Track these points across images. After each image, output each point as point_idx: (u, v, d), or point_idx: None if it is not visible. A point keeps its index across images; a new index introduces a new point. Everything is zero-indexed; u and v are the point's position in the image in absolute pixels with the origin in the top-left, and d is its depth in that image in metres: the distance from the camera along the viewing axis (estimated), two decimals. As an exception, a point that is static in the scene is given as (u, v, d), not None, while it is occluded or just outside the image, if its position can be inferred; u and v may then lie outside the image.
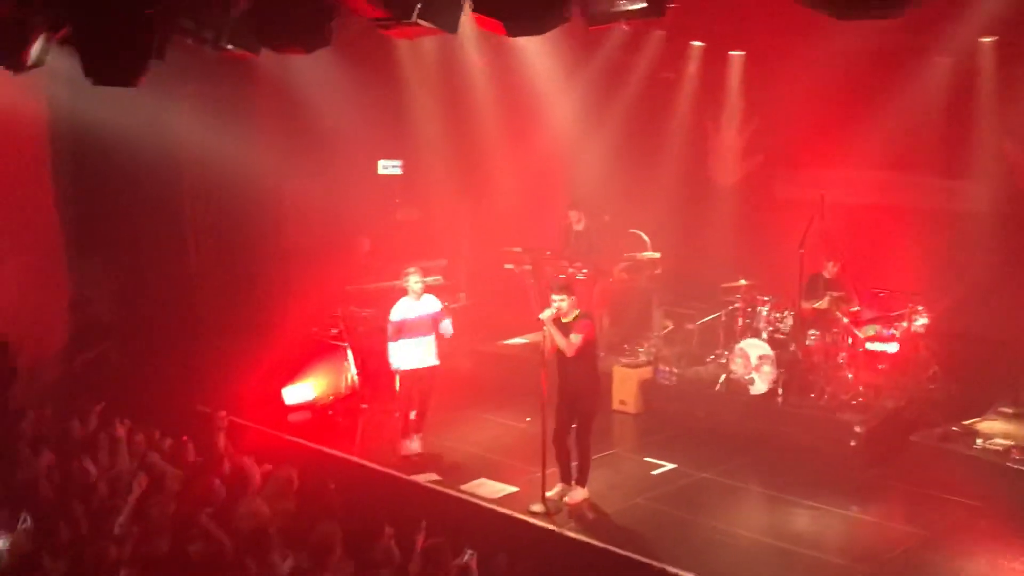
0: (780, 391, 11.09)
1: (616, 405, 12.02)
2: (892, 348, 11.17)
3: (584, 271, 12.78)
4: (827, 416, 10.73)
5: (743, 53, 13.83)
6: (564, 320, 8.89)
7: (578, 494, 9.13)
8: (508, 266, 13.75)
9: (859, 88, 12.36)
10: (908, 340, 11.26)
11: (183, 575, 6.21)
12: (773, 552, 8.25)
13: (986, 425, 10.05)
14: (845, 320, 11.20)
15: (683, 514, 9.04)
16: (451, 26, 6.99)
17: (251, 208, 13.00)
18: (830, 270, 11.53)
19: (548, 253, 13.39)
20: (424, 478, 9.78)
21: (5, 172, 12.17)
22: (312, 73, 11.75)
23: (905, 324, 11.25)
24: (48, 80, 10.76)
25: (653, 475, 10.04)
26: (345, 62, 11.65)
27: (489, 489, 9.50)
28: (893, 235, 12.29)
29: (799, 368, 11.21)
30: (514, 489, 9.44)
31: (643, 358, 12.59)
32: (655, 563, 7.81)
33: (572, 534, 8.50)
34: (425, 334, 10.41)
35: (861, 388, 10.97)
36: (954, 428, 10.06)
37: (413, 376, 10.47)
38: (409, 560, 6.72)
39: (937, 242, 12.13)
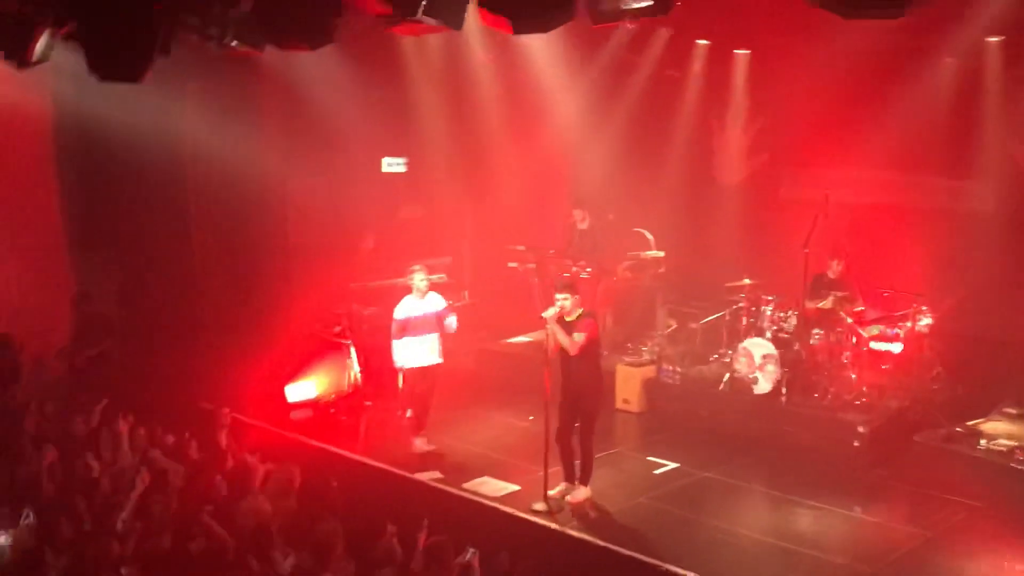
0: (784, 391, 11.06)
1: (619, 404, 12.01)
2: (896, 348, 11.16)
3: (588, 270, 12.76)
4: (830, 416, 10.71)
5: (748, 52, 13.80)
6: (567, 319, 8.88)
7: (581, 493, 9.12)
8: (512, 264, 13.75)
9: (864, 88, 12.33)
10: (912, 340, 11.23)
11: (185, 572, 6.21)
12: (775, 552, 8.23)
13: (990, 426, 10.02)
14: (849, 320, 11.18)
15: (686, 513, 9.03)
16: (456, 23, 6.97)
17: (255, 205, 12.99)
18: (834, 269, 11.51)
19: (552, 252, 13.37)
20: (427, 476, 9.78)
21: (9, 168, 12.19)
22: (316, 70, 11.73)
23: (909, 324, 11.22)
24: (52, 76, 10.79)
25: (656, 474, 10.03)
26: (350, 59, 11.64)
27: (491, 487, 9.50)
28: (898, 235, 12.26)
29: (803, 368, 11.19)
30: (516, 488, 9.44)
31: (646, 357, 12.58)
32: (657, 562, 7.80)
33: (574, 533, 8.49)
34: (429, 332, 10.42)
35: (865, 388, 10.96)
36: (958, 429, 10.04)
37: (416, 374, 10.48)
38: (411, 558, 6.72)
39: (942, 242, 12.09)
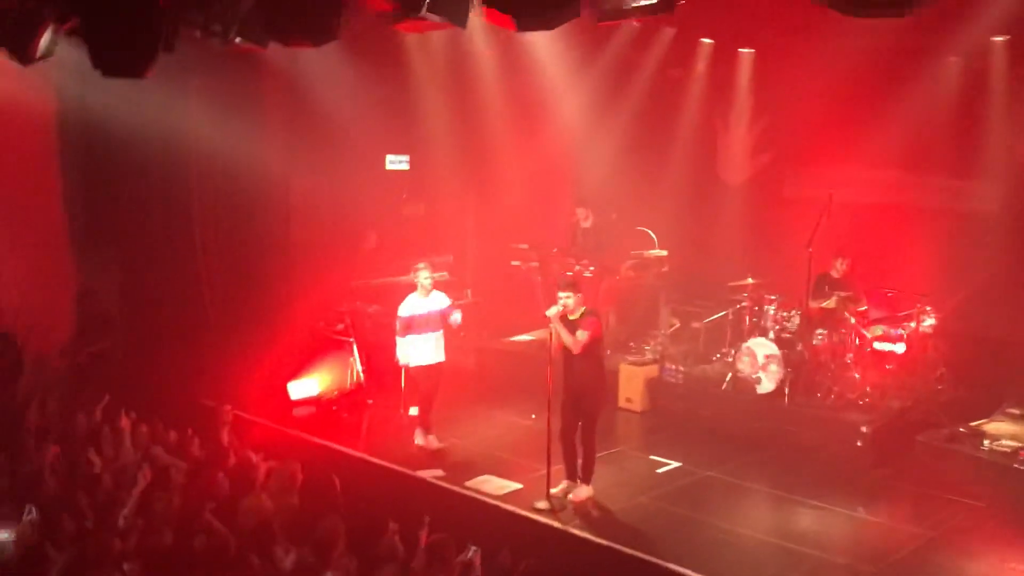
0: (786, 390, 11.05)
1: (622, 403, 12.01)
2: (900, 348, 11.14)
3: (591, 268, 12.75)
4: (833, 416, 10.69)
5: (752, 51, 13.78)
6: (571, 317, 8.86)
7: (583, 491, 9.11)
8: (515, 263, 13.76)
9: (869, 87, 12.30)
10: (916, 340, 11.22)
11: (186, 569, 6.20)
12: (778, 552, 8.21)
13: (993, 426, 10.01)
14: (852, 320, 11.17)
15: (688, 512, 9.01)
16: (460, 20, 6.97)
17: (258, 202, 12.98)
18: (838, 268, 11.49)
19: (555, 250, 13.37)
20: (429, 474, 9.77)
21: (13, 164, 12.18)
22: (320, 67, 11.72)
23: (913, 324, 11.21)
24: (56, 72, 10.76)
25: (658, 473, 10.02)
26: (353, 56, 11.61)
27: (493, 486, 9.48)
28: (902, 235, 12.24)
29: (806, 367, 11.18)
30: (518, 486, 9.42)
31: (649, 356, 12.58)
32: (659, 561, 7.81)
33: (576, 531, 8.49)
34: (433, 330, 10.43)
35: (868, 388, 10.95)
36: (961, 429, 10.01)
37: (420, 372, 10.48)
38: (413, 556, 6.71)
39: (946, 242, 12.06)
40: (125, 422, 8.76)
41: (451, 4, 6.89)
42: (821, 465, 10.10)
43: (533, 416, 10.82)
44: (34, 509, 6.94)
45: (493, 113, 13.93)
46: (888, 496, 9.42)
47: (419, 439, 10.59)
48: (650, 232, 13.35)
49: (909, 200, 12.93)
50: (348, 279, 12.95)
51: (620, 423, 11.65)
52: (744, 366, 11.36)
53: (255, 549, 6.41)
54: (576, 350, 8.79)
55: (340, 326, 12.28)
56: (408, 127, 13.94)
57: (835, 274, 11.51)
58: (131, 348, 13.48)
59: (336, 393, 12.17)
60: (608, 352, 10.78)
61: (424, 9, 6.65)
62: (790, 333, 11.43)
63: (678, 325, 13.46)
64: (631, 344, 13.15)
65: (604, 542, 8.21)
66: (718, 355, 12.54)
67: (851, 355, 11.15)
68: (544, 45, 12.70)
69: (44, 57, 7.99)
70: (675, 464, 10.19)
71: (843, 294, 11.28)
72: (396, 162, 14.56)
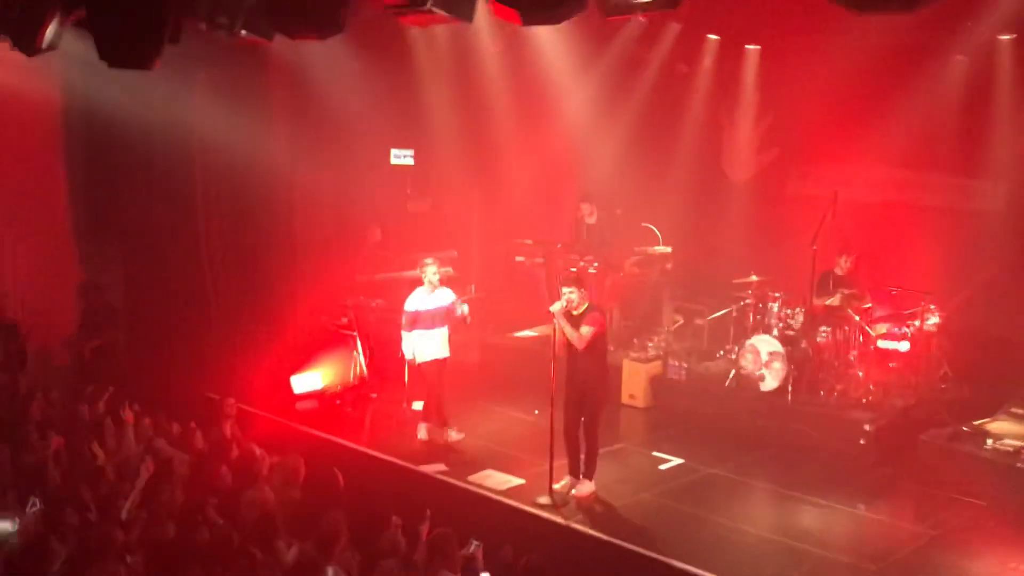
0: (790, 388, 11.03)
1: (625, 399, 12.00)
2: (904, 346, 11.13)
3: (595, 264, 12.74)
4: (836, 414, 10.69)
5: (759, 47, 13.75)
6: (574, 313, 8.85)
7: (585, 487, 9.10)
8: (519, 258, 13.74)
9: (875, 85, 12.27)
10: (920, 339, 11.20)
11: (189, 561, 6.21)
12: (780, 549, 8.20)
13: (997, 426, 9.97)
14: (857, 318, 11.16)
15: (690, 509, 9.00)
16: (467, 14, 6.93)
17: (262, 196, 12.98)
18: (843, 265, 11.46)
19: (559, 246, 13.36)
20: (431, 469, 9.77)
21: (17, 156, 12.22)
22: (325, 61, 11.71)
23: (917, 323, 11.19)
24: (62, 63, 10.76)
25: (661, 470, 10.01)
26: (359, 50, 11.60)
27: (496, 481, 9.48)
28: (907, 233, 12.21)
29: (809, 365, 11.16)
30: (521, 481, 9.41)
31: (653, 353, 12.55)
32: (661, 557, 7.82)
33: (579, 527, 8.50)
34: (439, 326, 10.43)
35: (871, 386, 10.93)
36: (964, 428, 9.98)
37: (424, 367, 10.47)
38: (415, 550, 6.72)
39: (951, 241, 12.03)
40: (128, 414, 8.78)
41: (458, -3, 6.87)
42: (824, 463, 10.09)
43: (536, 412, 10.84)
44: (37, 501, 6.96)
45: (498, 108, 13.91)
46: (891, 494, 9.40)
47: (422, 433, 10.60)
48: (654, 228, 13.32)
49: (914, 198, 12.91)
50: (352, 273, 12.95)
51: (623, 419, 11.64)
52: (747, 363, 11.35)
53: (257, 542, 6.42)
54: (580, 346, 8.79)
55: (344, 320, 12.27)
56: (413, 122, 13.93)
57: (839, 272, 11.48)
58: (135, 341, 13.51)
59: (339, 387, 12.17)
60: (611, 348, 10.75)
61: (430, 3, 6.63)
62: (794, 330, 11.42)
63: (682, 322, 13.44)
64: (634, 340, 13.13)
65: (606, 538, 8.23)
66: (721, 352, 12.54)
67: (855, 353, 11.14)
68: (550, 40, 12.69)
69: (49, 48, 7.98)
70: (678, 461, 10.18)
71: (847, 292, 11.26)
72: (401, 157, 14.54)
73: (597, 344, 8.90)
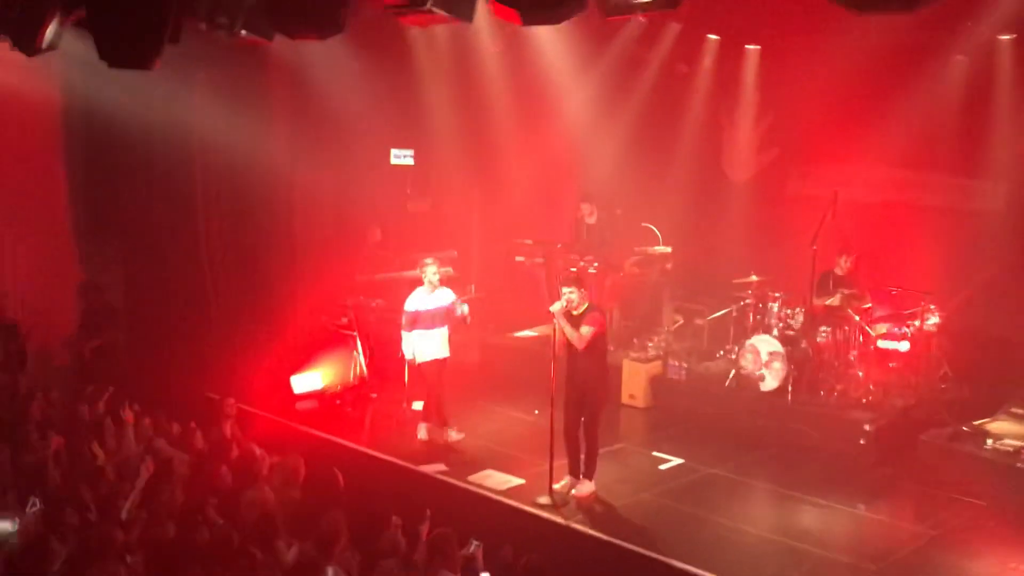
0: (790, 388, 11.03)
1: (625, 399, 12.00)
2: (904, 346, 11.13)
3: (595, 264, 12.74)
4: (836, 414, 10.69)
5: (759, 47, 13.75)
6: (574, 313, 8.85)
7: (585, 487, 9.10)
8: (519, 258, 13.74)
9: (875, 85, 12.27)
10: (920, 339, 11.20)
11: (189, 561, 6.21)
12: (780, 549, 8.20)
13: (997, 426, 9.97)
14: (857, 317, 11.15)
15: (690, 509, 9.00)
16: (467, 14, 6.93)
17: (262, 195, 12.98)
18: (843, 265, 11.46)
19: (559, 246, 13.36)
20: (431, 469, 9.77)
21: (17, 156, 12.21)
22: (325, 61, 11.71)
23: (917, 323, 11.19)
24: (62, 63, 10.76)
25: (661, 470, 10.01)
26: (359, 50, 11.60)
27: (496, 481, 9.48)
28: (907, 233, 12.21)
29: (809, 365, 11.16)
30: (521, 481, 9.41)
31: (653, 353, 12.55)
32: (661, 557, 7.82)
33: (578, 527, 8.50)
34: (439, 326, 10.43)
35: (871, 386, 10.93)
36: (964, 428, 9.98)
37: (425, 367, 10.47)
38: (415, 550, 6.72)
39: (951, 241, 12.03)
40: (128, 414, 8.78)
41: (457, -3, 6.87)
42: (824, 463, 10.09)
43: (536, 412, 10.84)
44: (37, 501, 6.96)
45: (498, 108, 13.90)
46: (890, 494, 9.40)
47: (422, 433, 10.60)
48: (654, 228, 13.32)
49: (914, 198, 12.91)
50: (352, 273, 12.95)
51: (623, 419, 11.63)
52: (747, 363, 11.35)
53: (257, 542, 6.42)
54: (580, 346, 8.79)
55: (344, 320, 12.27)
56: (413, 122, 13.92)
57: (839, 272, 11.48)
58: (135, 340, 13.52)
59: (339, 387, 12.17)
60: (611, 348, 10.75)
61: (430, 3, 6.63)
62: (794, 330, 11.42)
63: (682, 322, 13.44)
64: (634, 340, 13.12)
65: (606, 538, 8.23)
66: (721, 352, 12.54)
67: (855, 353, 11.14)
68: (550, 40, 12.69)
69: (49, 48, 7.98)
70: (678, 461, 10.18)
71: (847, 292, 11.26)
72: (401, 156, 14.53)
73: (597, 344, 8.90)
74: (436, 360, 10.47)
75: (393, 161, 14.45)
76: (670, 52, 13.68)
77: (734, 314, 12.46)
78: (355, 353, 12.13)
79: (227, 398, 9.51)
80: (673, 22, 13.05)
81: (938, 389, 11.30)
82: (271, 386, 11.79)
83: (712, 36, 13.84)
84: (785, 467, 10.01)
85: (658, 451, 10.45)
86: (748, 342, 11.42)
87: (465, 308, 10.46)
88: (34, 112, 12.28)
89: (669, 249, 13.33)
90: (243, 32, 7.88)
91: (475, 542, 6.74)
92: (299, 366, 12.24)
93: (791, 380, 11.02)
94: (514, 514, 8.78)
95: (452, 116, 14.00)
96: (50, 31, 7.81)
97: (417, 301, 10.39)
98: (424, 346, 10.40)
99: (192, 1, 7.38)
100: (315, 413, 11.70)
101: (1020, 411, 10.23)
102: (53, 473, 7.81)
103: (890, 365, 11.15)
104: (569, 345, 8.89)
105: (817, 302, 11.34)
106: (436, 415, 10.55)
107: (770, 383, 11.12)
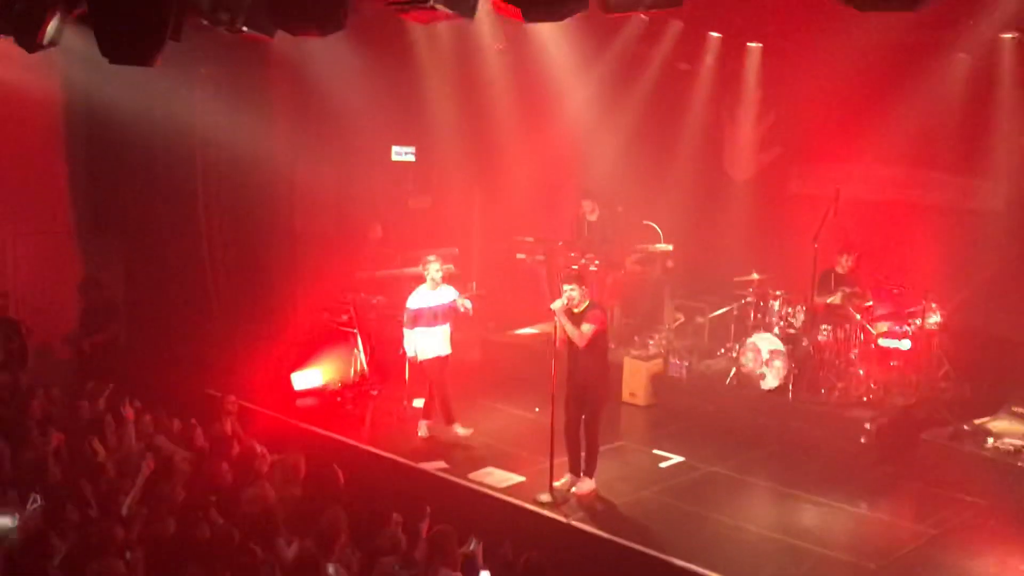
0: (790, 386, 11.03)
1: (626, 397, 11.99)
2: (905, 345, 11.10)
3: (596, 262, 12.73)
4: (837, 412, 10.68)
5: (761, 45, 13.72)
6: (575, 311, 8.84)
7: (586, 485, 9.10)
8: (520, 256, 13.74)
9: (877, 83, 12.26)
10: (921, 337, 11.18)
11: (189, 558, 6.21)
12: (780, 547, 8.20)
13: (998, 424, 9.96)
14: (858, 316, 11.14)
15: (690, 507, 9.00)
16: (468, 11, 6.93)
17: (264, 192, 12.97)
18: (844, 264, 11.44)
19: (560, 243, 13.36)
20: (432, 466, 9.77)
21: (19, 152, 12.20)
22: (327, 57, 11.68)
23: (918, 321, 11.17)
24: (63, 59, 10.75)
25: (661, 468, 10.01)
26: (360, 46, 11.58)
27: (496, 478, 9.48)
28: (908, 232, 12.20)
29: (810, 363, 11.16)
30: (521, 479, 9.41)
31: (654, 351, 12.56)
32: (662, 555, 7.82)
33: (579, 525, 8.49)
34: (440, 323, 10.42)
35: (872, 385, 10.93)
36: (965, 427, 9.97)
37: (426, 365, 10.47)
38: (415, 547, 6.72)
39: (953, 239, 12.02)
40: (129, 411, 8.79)
41: (459, -6, 6.87)
42: (824, 461, 10.07)
43: (537, 409, 10.83)
44: (38, 497, 6.97)
45: (500, 105, 13.88)
46: (891, 493, 9.39)
47: (423, 431, 10.60)
48: (656, 226, 13.31)
49: (916, 197, 12.90)
50: (353, 270, 12.94)
51: (624, 417, 11.62)
52: (748, 361, 11.35)
53: (258, 539, 6.42)
54: (581, 344, 8.78)
55: (344, 317, 12.26)
56: (414, 118, 13.90)
57: (841, 270, 11.47)
58: (135, 337, 13.53)
59: (340, 384, 12.17)
60: (612, 346, 10.75)
61: (432, -1, 6.63)
62: (795, 329, 11.42)
63: (683, 320, 13.44)
64: (635, 338, 13.13)
65: (606, 535, 8.23)
66: (722, 350, 12.55)
67: (856, 351, 11.12)
68: (552, 37, 12.66)
69: (51, 45, 7.98)
70: (678, 459, 10.17)
71: (848, 290, 11.24)
72: (402, 153, 14.53)
73: (598, 342, 8.90)
74: (438, 357, 10.47)
75: (394, 158, 14.45)
76: (672, 50, 13.62)
77: (735, 312, 12.47)
78: (356, 350, 12.13)
79: (228, 395, 9.52)
80: (675, 20, 13.02)
81: (939, 388, 11.29)
82: (272, 383, 11.80)
83: (714, 34, 13.80)
84: (786, 465, 10.00)
85: (659, 449, 10.44)
86: (749, 340, 11.42)
87: (468, 303, 10.46)
88: (35, 108, 12.27)
89: (670, 247, 13.32)
90: (244, 28, 7.87)
91: (475, 540, 6.74)
92: (300, 363, 12.24)
93: (792, 378, 11.02)
94: (514, 512, 8.78)
95: (453, 113, 13.99)
96: (51, 27, 7.82)
97: (420, 298, 10.38)
98: (426, 343, 10.39)
99: (194, -3, 7.38)
100: (316, 410, 11.69)
101: (1021, 410, 10.21)
102: (54, 469, 7.82)
103: (891, 364, 11.12)
104: (570, 343, 8.88)
105: (818, 300, 11.33)
106: (442, 412, 10.53)
107: (771, 381, 11.12)
